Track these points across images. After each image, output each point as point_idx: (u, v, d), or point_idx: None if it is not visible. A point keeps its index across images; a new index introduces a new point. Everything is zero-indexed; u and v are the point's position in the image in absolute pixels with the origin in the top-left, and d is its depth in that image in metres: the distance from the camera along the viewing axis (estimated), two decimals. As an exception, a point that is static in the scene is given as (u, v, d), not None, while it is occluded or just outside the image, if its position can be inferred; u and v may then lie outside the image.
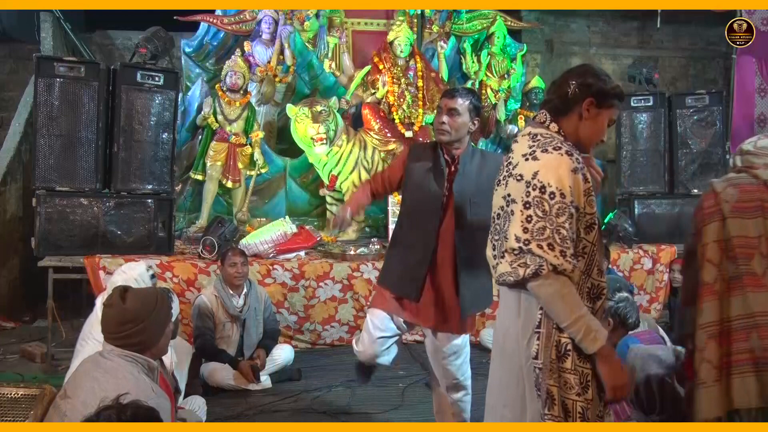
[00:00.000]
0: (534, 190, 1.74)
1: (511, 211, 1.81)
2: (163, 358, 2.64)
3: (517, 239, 1.75)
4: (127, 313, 1.92)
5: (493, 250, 1.95)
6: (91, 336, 2.97)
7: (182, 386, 3.36)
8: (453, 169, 2.63)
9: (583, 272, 1.79)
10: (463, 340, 2.76)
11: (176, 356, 3.37)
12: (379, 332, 2.70)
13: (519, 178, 1.80)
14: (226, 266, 4.00)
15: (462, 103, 2.59)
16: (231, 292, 4.01)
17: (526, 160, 1.80)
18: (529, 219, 1.73)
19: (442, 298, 2.66)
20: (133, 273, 3.22)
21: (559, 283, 1.71)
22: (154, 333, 1.98)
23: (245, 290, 4.06)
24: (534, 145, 1.82)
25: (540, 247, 1.71)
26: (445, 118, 2.60)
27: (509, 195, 1.83)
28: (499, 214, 1.91)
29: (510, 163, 1.89)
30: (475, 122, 2.65)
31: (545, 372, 1.77)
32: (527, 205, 1.75)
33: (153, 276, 3.41)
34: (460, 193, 2.59)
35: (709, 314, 2.20)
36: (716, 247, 2.22)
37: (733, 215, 2.21)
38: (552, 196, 1.72)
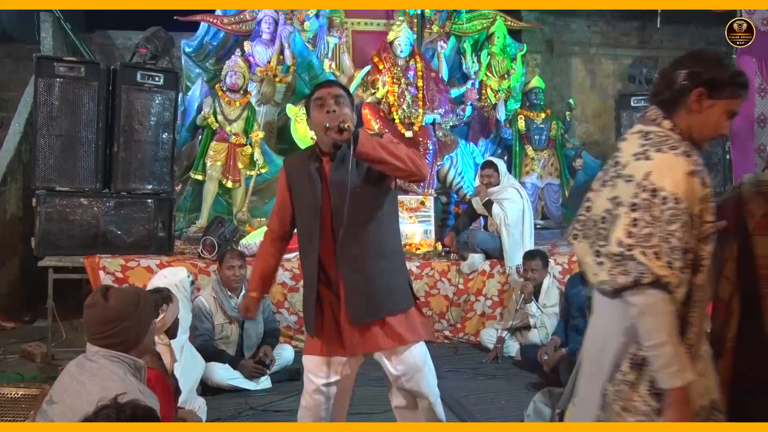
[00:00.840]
0: (644, 192, 1.57)
1: (618, 214, 1.63)
2: (164, 358, 2.64)
3: (620, 244, 1.57)
4: (110, 311, 1.90)
5: (597, 256, 1.73)
6: None
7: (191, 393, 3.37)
8: (328, 164, 2.25)
9: (698, 287, 1.61)
10: (416, 355, 2.30)
11: (186, 368, 3.37)
12: (319, 380, 2.29)
13: (629, 179, 1.62)
14: (224, 268, 3.99)
15: (343, 93, 2.26)
16: (229, 293, 4.01)
17: (638, 159, 1.63)
18: (635, 223, 1.56)
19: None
20: (174, 279, 3.23)
21: (658, 297, 1.53)
22: (139, 331, 1.96)
23: (244, 291, 4.05)
24: (647, 144, 1.65)
25: (644, 254, 1.53)
26: (335, 107, 2.19)
27: (617, 197, 1.65)
28: (604, 218, 1.71)
29: (618, 162, 1.71)
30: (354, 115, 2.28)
31: (608, 378, 1.66)
32: (634, 208, 1.57)
33: (192, 282, 3.42)
34: (337, 184, 2.19)
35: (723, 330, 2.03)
36: (734, 265, 2.01)
37: (758, 233, 1.97)
38: (664, 200, 1.55)
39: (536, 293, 4.55)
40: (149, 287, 3.12)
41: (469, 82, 6.55)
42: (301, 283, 4.55)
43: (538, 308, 4.50)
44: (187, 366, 3.34)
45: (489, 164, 5.21)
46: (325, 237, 2.23)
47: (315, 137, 2.33)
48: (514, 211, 4.94)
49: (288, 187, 2.35)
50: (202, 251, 4.63)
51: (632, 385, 1.64)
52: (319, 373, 2.29)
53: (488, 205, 5.00)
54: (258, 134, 5.73)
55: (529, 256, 4.62)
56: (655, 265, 1.52)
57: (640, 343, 1.61)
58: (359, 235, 2.21)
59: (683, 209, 1.55)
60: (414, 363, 2.29)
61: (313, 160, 2.28)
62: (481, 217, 5.29)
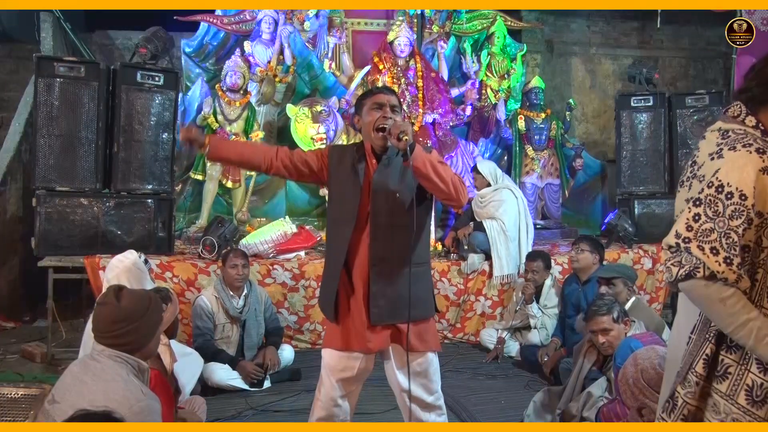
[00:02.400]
0: (709, 187, 1.54)
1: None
2: (163, 358, 2.64)
3: (677, 236, 1.56)
4: (121, 311, 1.91)
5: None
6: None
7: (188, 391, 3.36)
8: (374, 166, 2.34)
9: (762, 285, 1.57)
10: (422, 365, 2.36)
11: (185, 370, 3.37)
12: (337, 375, 2.36)
13: (702, 178, 1.60)
14: (227, 267, 3.99)
15: (398, 105, 2.37)
16: (231, 293, 4.01)
17: (712, 159, 1.59)
18: (696, 217, 1.54)
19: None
20: (127, 262, 3.16)
21: (716, 286, 1.50)
22: (146, 334, 1.97)
23: (245, 291, 4.05)
24: (722, 143, 1.59)
25: (701, 248, 1.51)
26: (391, 115, 2.29)
27: (691, 198, 1.63)
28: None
29: (695, 162, 1.67)
30: None
31: (679, 379, 1.61)
32: (697, 203, 1.55)
33: (146, 261, 3.37)
34: (379, 186, 2.29)
35: None
36: None
37: None
38: (729, 196, 1.51)
39: (537, 294, 4.55)
40: (106, 281, 3.09)
41: (469, 82, 6.54)
42: (301, 283, 4.65)
43: (539, 309, 4.50)
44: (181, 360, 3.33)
45: (472, 169, 5.28)
46: (360, 234, 2.30)
47: (363, 136, 2.39)
48: (511, 215, 4.95)
49: (327, 167, 2.39)
50: (202, 251, 4.63)
51: (705, 386, 1.59)
52: (337, 368, 2.36)
53: (480, 226, 5.02)
54: (258, 134, 5.73)
55: (530, 257, 4.62)
56: (711, 260, 1.50)
57: (715, 342, 1.58)
58: (393, 238, 2.29)
59: (749, 206, 1.50)
60: (419, 372, 2.35)
61: (360, 156, 2.36)
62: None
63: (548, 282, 4.55)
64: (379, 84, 5.99)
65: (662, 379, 1.93)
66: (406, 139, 2.11)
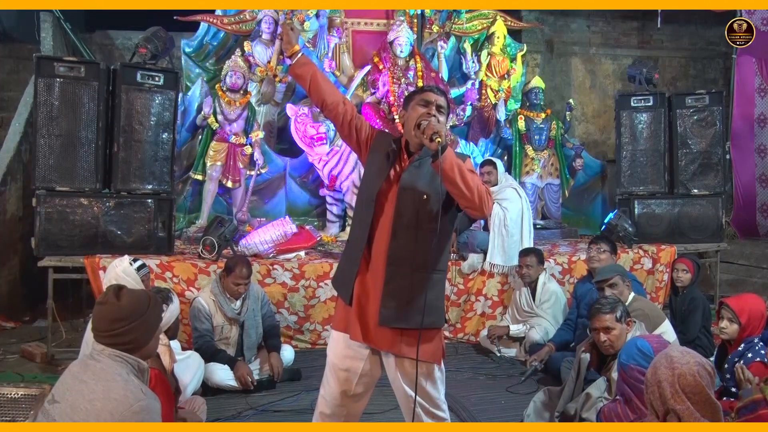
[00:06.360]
0: None
1: None
2: (163, 358, 2.65)
3: None
4: (121, 310, 1.91)
5: None
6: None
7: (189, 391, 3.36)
8: (405, 162, 2.33)
9: None
10: (426, 370, 2.30)
11: (186, 370, 3.37)
12: (340, 373, 2.35)
13: None
14: (230, 281, 3.91)
15: (446, 106, 2.34)
16: (229, 296, 3.98)
17: None
18: None
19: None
20: (118, 270, 3.15)
21: None
22: (145, 333, 1.97)
23: (243, 294, 4.04)
24: None
25: None
26: (435, 113, 2.27)
27: None
28: None
29: None
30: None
31: None
32: None
33: (142, 266, 3.29)
34: (407, 186, 2.26)
35: None
36: None
37: None
38: None
39: (533, 290, 4.58)
40: (105, 282, 3.10)
41: (469, 82, 6.54)
42: (301, 283, 4.65)
43: (519, 328, 4.55)
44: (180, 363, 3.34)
45: (488, 162, 5.24)
46: (382, 231, 2.27)
47: (404, 131, 2.38)
48: (514, 212, 4.95)
49: (369, 147, 2.40)
50: (202, 251, 4.63)
51: None
52: (341, 366, 2.34)
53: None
54: (258, 134, 5.74)
55: (524, 252, 4.65)
56: None
57: None
58: (414, 241, 2.25)
59: None
60: (422, 380, 2.29)
61: (396, 151, 2.35)
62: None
63: (542, 278, 4.57)
64: (379, 84, 6.00)
65: (699, 388, 1.95)
66: (439, 141, 2.10)
